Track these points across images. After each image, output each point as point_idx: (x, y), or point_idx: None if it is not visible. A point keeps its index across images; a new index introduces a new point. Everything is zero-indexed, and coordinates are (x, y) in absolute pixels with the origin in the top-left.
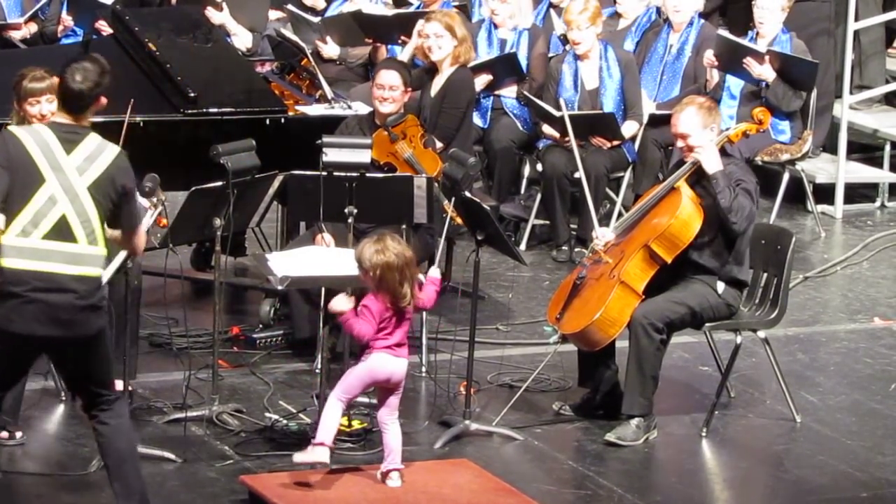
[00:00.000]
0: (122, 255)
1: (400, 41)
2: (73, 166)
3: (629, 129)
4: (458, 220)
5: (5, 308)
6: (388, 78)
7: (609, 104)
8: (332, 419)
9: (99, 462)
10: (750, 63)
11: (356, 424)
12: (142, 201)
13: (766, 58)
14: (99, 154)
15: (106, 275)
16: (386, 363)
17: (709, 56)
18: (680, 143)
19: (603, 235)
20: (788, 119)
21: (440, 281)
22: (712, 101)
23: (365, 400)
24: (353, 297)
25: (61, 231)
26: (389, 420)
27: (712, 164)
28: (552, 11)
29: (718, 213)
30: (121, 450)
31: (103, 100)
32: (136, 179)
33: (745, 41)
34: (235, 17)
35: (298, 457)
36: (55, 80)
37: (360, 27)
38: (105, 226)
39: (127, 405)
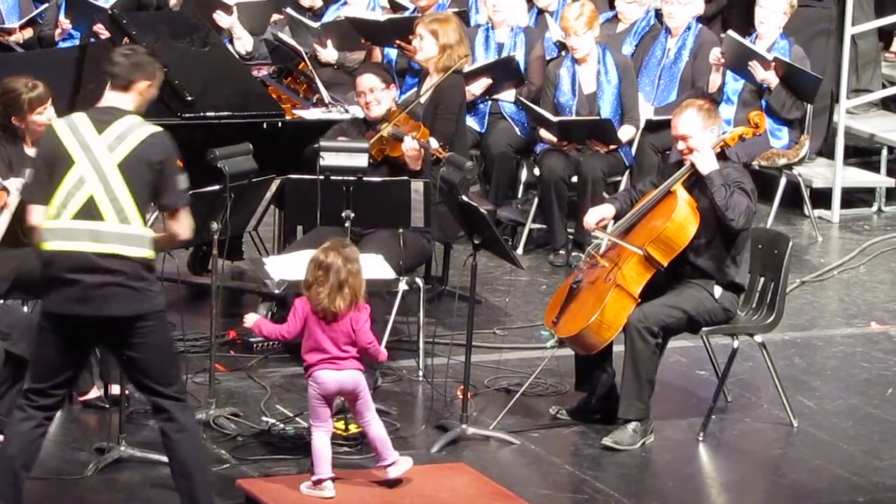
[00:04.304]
0: None
1: (396, 45)
2: (103, 145)
3: (626, 133)
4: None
5: (46, 290)
6: (366, 82)
7: (606, 108)
8: (322, 450)
9: (95, 466)
10: (755, 67)
11: (353, 428)
12: None
13: (773, 64)
14: (131, 132)
15: None
16: (327, 377)
17: (715, 53)
18: (681, 145)
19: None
20: (786, 124)
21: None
22: (712, 104)
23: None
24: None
25: (89, 210)
26: (366, 423)
27: (707, 164)
28: (548, 17)
29: (716, 214)
30: (184, 463)
31: (150, 87)
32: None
33: (753, 45)
34: (240, 20)
35: (305, 489)
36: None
37: (357, 30)
38: (143, 206)
39: (193, 416)
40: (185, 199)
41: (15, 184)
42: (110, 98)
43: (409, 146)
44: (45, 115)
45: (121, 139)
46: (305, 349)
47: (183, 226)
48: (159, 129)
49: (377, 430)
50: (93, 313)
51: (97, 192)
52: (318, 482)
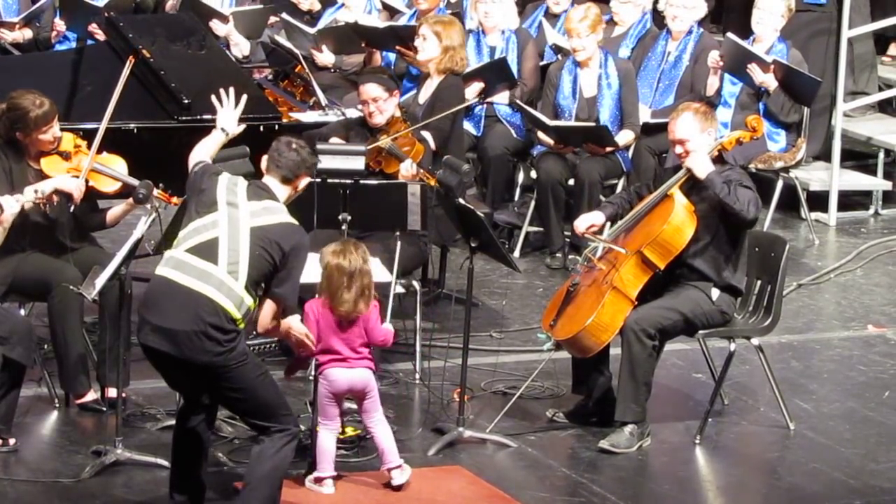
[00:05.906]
0: (116, 261)
1: (396, 49)
2: (247, 209)
3: (624, 137)
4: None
5: (139, 320)
6: (369, 91)
7: (605, 113)
8: (326, 448)
9: (91, 470)
10: (753, 70)
11: (350, 431)
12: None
13: (772, 67)
14: (276, 212)
15: (100, 282)
16: (338, 376)
17: (714, 56)
18: (678, 149)
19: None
20: (784, 127)
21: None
22: (708, 107)
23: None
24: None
25: (206, 250)
26: (373, 423)
27: (702, 168)
28: (545, 21)
29: (715, 215)
30: (251, 477)
31: (307, 183)
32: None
33: (752, 47)
34: (236, 27)
35: (309, 483)
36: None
37: (359, 35)
38: (253, 275)
39: (280, 444)
40: (293, 299)
41: (9, 201)
42: (270, 182)
43: (407, 170)
44: (50, 133)
45: (266, 212)
46: (318, 350)
47: (265, 318)
48: (299, 225)
49: (384, 431)
50: (171, 352)
51: (222, 237)
52: (318, 479)
